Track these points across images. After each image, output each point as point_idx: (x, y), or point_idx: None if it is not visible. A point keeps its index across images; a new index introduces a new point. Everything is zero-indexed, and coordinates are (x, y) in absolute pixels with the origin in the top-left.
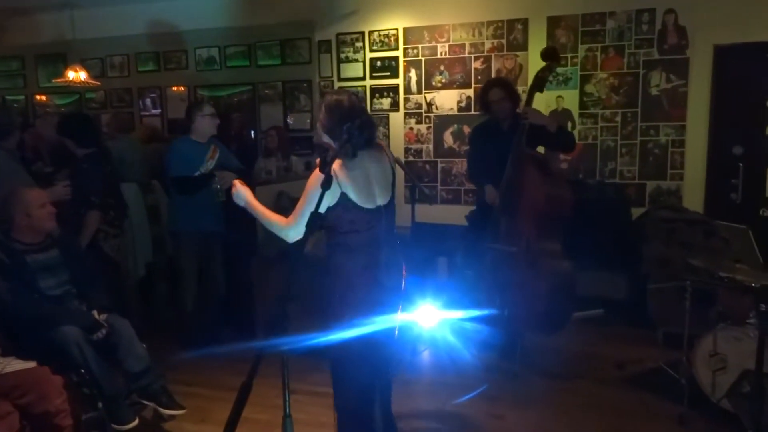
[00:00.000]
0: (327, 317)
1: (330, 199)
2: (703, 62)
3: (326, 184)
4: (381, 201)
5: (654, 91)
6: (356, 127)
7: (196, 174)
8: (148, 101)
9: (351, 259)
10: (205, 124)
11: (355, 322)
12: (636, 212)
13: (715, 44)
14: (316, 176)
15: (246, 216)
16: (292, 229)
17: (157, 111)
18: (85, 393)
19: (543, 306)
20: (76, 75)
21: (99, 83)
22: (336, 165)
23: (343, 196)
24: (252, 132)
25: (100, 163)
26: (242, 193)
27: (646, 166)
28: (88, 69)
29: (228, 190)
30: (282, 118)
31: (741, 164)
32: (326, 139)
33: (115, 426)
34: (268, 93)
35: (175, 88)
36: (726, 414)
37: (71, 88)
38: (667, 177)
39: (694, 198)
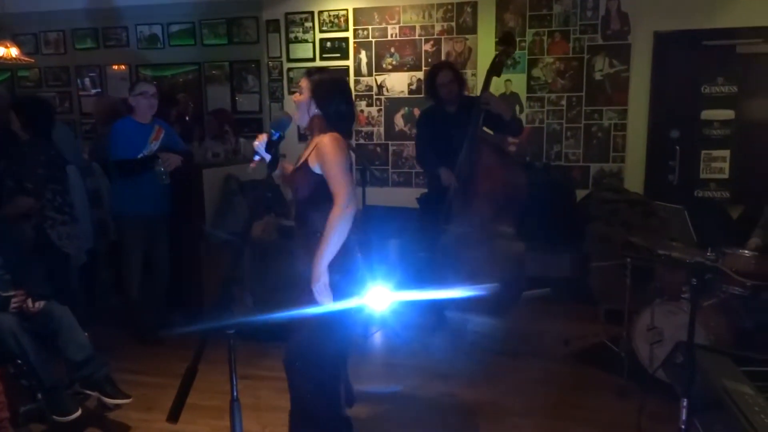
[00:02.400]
0: (309, 300)
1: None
2: (643, 48)
3: (273, 166)
4: None
5: (598, 76)
6: (349, 105)
7: (139, 156)
8: (86, 80)
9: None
10: (139, 104)
11: (356, 296)
12: (580, 194)
13: (655, 31)
14: (336, 141)
15: (193, 198)
16: (349, 200)
17: (97, 91)
18: (24, 384)
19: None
20: (7, 51)
21: (33, 60)
22: (335, 137)
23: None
24: (199, 113)
25: (43, 148)
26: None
27: (589, 149)
28: (20, 45)
29: (171, 173)
30: (230, 99)
31: (678, 147)
32: (312, 113)
33: (56, 418)
34: (215, 73)
35: (115, 67)
36: (662, 384)
37: (2, 65)
38: (610, 159)
39: (634, 179)
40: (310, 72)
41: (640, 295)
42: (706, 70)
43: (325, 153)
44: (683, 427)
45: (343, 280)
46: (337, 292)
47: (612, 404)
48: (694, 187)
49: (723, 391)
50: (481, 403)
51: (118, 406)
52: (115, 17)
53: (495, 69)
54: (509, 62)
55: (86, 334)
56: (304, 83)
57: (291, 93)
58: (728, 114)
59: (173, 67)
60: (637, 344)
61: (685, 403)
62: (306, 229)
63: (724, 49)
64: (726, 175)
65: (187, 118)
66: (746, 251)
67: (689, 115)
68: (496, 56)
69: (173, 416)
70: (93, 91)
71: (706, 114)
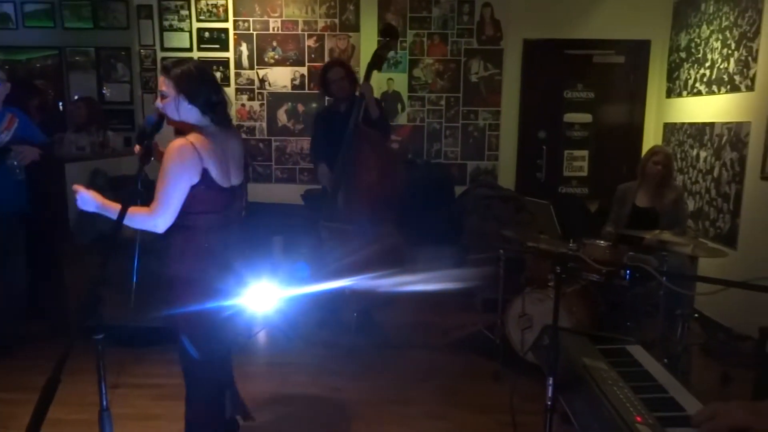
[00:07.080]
0: (170, 301)
1: (191, 177)
2: (514, 54)
3: (146, 159)
4: (235, 181)
5: (474, 78)
6: (217, 96)
7: None
8: None
9: (195, 242)
10: None
11: (202, 305)
12: (459, 190)
13: (524, 38)
14: (179, 151)
15: (55, 195)
16: (161, 217)
17: None
18: None
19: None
20: None
21: None
22: (195, 138)
23: (205, 172)
24: (60, 103)
25: None
26: (88, 197)
27: (467, 147)
28: None
29: (28, 167)
30: (96, 88)
31: (545, 147)
32: (184, 111)
33: None
34: (79, 60)
35: None
36: (532, 366)
37: None
38: (485, 157)
39: (507, 176)
40: (166, 67)
41: (512, 285)
42: (568, 77)
43: (165, 160)
44: (549, 403)
45: (184, 290)
46: (179, 301)
47: (488, 387)
48: (559, 184)
49: (582, 367)
50: (364, 395)
51: None
52: None
53: (376, 62)
54: (391, 60)
55: None
56: (164, 82)
57: None
58: (586, 117)
59: (29, 51)
60: (510, 330)
61: (550, 382)
62: (178, 229)
63: (582, 58)
64: (585, 173)
65: (48, 106)
66: (601, 242)
67: (554, 118)
68: (378, 49)
69: None
70: None
71: (568, 117)
